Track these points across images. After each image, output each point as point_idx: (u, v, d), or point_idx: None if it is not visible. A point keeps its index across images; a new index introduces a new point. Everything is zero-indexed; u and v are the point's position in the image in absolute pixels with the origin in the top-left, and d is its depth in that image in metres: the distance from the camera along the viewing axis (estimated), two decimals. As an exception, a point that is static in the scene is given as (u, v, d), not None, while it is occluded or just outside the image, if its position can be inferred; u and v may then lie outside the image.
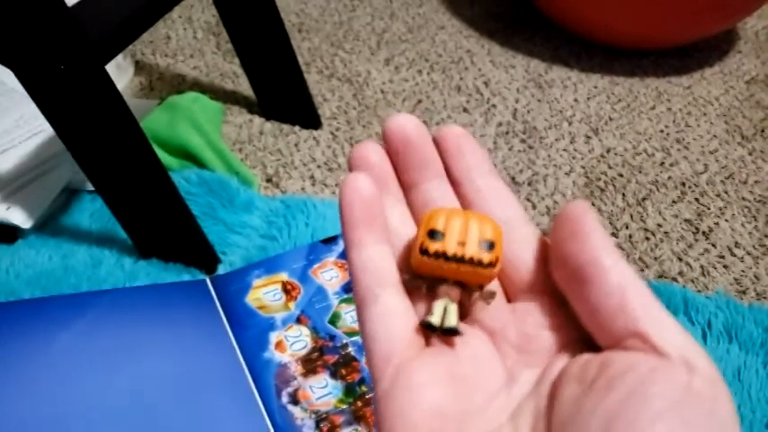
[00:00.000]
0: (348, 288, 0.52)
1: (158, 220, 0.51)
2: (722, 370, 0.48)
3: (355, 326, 0.49)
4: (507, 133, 0.72)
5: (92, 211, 0.59)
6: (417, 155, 0.22)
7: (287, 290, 0.51)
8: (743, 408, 0.46)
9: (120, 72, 0.76)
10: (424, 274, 0.20)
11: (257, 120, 0.72)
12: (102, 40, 0.43)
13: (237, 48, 0.66)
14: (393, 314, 0.20)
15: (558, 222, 0.19)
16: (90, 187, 0.60)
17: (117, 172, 0.47)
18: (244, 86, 0.77)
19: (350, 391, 0.45)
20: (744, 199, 0.65)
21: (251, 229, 0.58)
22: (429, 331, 0.20)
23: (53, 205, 0.58)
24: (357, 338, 0.48)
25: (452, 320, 0.20)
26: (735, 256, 0.59)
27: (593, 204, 0.64)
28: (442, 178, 0.23)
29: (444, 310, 0.20)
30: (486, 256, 0.19)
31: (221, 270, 0.54)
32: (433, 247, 0.20)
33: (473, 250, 0.19)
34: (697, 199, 0.65)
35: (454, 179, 0.23)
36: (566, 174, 0.67)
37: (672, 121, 0.76)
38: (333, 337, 0.48)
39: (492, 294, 0.20)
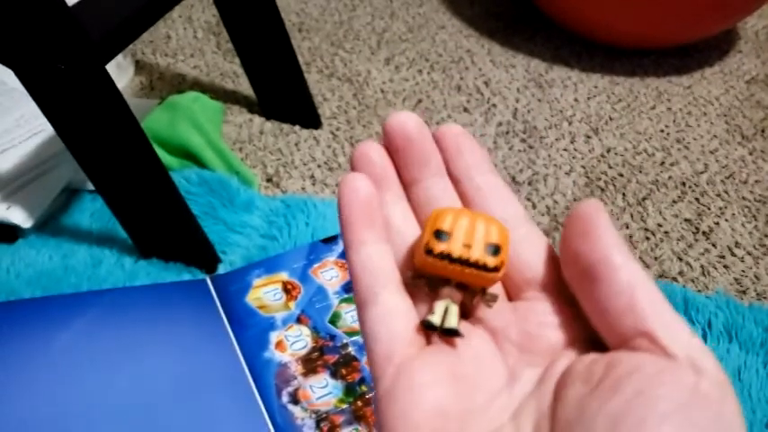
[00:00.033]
0: (348, 288, 0.52)
1: (159, 219, 0.51)
2: (722, 370, 0.48)
3: (355, 325, 0.49)
4: (507, 133, 0.72)
5: (92, 211, 0.59)
6: (418, 152, 0.22)
7: (287, 289, 0.51)
8: (743, 408, 0.46)
9: (121, 71, 0.76)
10: (428, 273, 0.20)
11: (257, 119, 0.72)
12: (103, 39, 0.43)
13: (238, 47, 0.66)
14: (394, 313, 0.20)
15: (569, 221, 0.19)
16: (90, 187, 0.60)
17: (117, 171, 0.47)
18: (244, 86, 0.77)
19: (350, 390, 0.45)
20: (744, 199, 0.65)
21: (251, 228, 0.58)
22: (429, 331, 0.20)
23: (53, 205, 0.58)
24: (357, 338, 0.48)
25: (453, 321, 0.20)
26: (735, 255, 0.59)
27: (593, 204, 0.64)
28: (442, 175, 0.23)
29: (445, 310, 0.20)
30: (492, 261, 0.19)
31: (221, 270, 0.54)
32: (439, 247, 0.19)
33: (478, 253, 0.19)
34: (697, 199, 0.65)
35: (454, 178, 0.23)
36: (566, 173, 0.67)
37: (672, 120, 0.76)
38: (333, 337, 0.48)
39: (494, 297, 0.20)
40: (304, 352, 0.47)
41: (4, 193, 0.56)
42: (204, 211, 0.58)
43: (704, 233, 0.61)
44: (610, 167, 0.68)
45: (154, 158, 0.47)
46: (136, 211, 0.51)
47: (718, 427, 0.15)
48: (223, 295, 0.50)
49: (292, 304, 0.50)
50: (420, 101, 0.77)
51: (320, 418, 0.43)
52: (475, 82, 0.80)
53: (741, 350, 0.50)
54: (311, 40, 0.87)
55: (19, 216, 0.55)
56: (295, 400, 0.44)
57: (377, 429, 0.19)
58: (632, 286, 0.17)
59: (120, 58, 0.76)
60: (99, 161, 0.47)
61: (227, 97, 0.75)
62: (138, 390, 0.43)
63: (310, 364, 0.46)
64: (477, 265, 0.19)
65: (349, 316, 0.49)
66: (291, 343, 0.47)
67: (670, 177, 0.67)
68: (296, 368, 0.46)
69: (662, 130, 0.74)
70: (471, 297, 0.20)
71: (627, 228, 0.61)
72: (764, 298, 0.55)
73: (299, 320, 0.49)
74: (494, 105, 0.76)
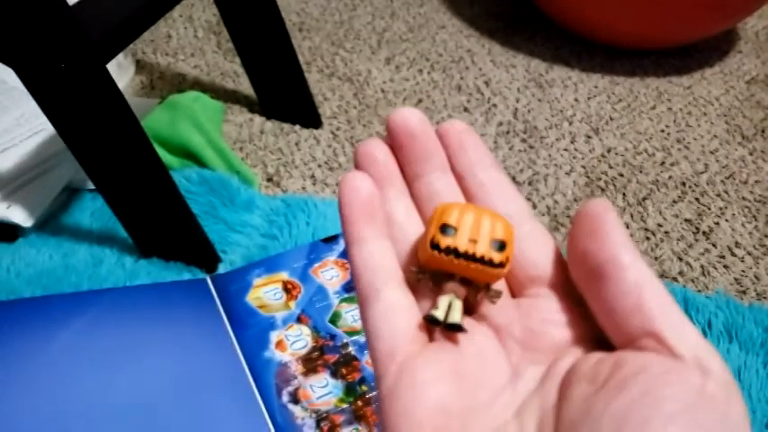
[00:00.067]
0: (348, 287, 0.52)
1: (159, 218, 0.51)
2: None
3: (356, 325, 0.49)
4: (508, 133, 0.72)
5: (92, 210, 0.59)
6: (421, 147, 0.22)
7: (287, 289, 0.51)
8: (743, 408, 0.46)
9: (121, 71, 0.76)
10: (432, 268, 0.20)
11: (258, 119, 0.72)
12: (103, 39, 0.43)
13: (238, 47, 0.66)
14: (396, 310, 0.20)
15: (577, 220, 0.19)
16: (91, 186, 0.60)
17: (118, 171, 0.47)
18: (244, 85, 0.77)
19: (350, 390, 0.45)
20: (744, 199, 0.65)
21: (251, 228, 0.58)
22: (432, 325, 0.20)
23: (54, 204, 0.58)
24: (357, 338, 0.48)
25: (456, 316, 0.20)
26: (735, 256, 0.59)
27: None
28: (445, 170, 0.23)
29: (449, 305, 0.20)
30: (497, 256, 0.19)
31: (222, 269, 0.54)
32: (445, 242, 0.19)
33: (484, 249, 0.19)
34: (697, 199, 0.65)
35: (457, 174, 0.23)
36: (566, 173, 0.67)
37: (672, 120, 0.76)
38: (333, 337, 0.48)
39: (498, 294, 0.20)
40: (304, 351, 0.47)
41: (4, 192, 0.56)
42: (204, 211, 0.58)
43: (704, 233, 0.61)
44: (610, 167, 0.68)
45: (154, 158, 0.47)
46: (136, 210, 0.51)
47: (724, 428, 0.15)
48: (223, 295, 0.50)
49: (293, 304, 0.50)
50: (420, 100, 0.77)
51: (320, 418, 0.43)
52: (475, 82, 0.80)
53: (741, 350, 0.50)
54: (312, 40, 0.87)
55: (19, 215, 0.55)
56: (295, 399, 0.44)
57: (380, 427, 0.19)
58: (640, 286, 0.17)
59: (120, 57, 0.76)
60: (99, 160, 0.47)
61: (228, 97, 0.75)
62: (138, 389, 0.43)
63: (310, 363, 0.46)
64: (482, 261, 0.19)
65: (349, 315, 0.50)
66: (292, 342, 0.47)
67: (670, 177, 0.67)
68: (296, 368, 0.46)
69: (662, 131, 0.74)
70: (475, 293, 0.20)
71: (627, 228, 0.61)
72: (764, 298, 0.55)
73: (299, 320, 0.49)
74: (494, 105, 0.76)
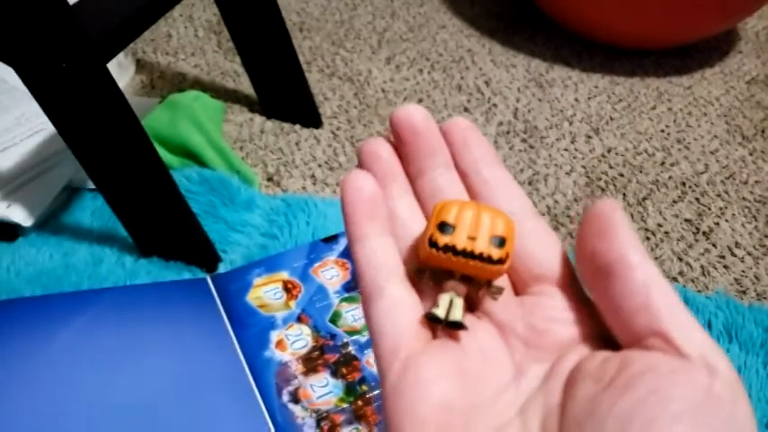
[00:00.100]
0: (349, 287, 0.52)
1: (159, 218, 0.51)
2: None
3: (356, 325, 0.49)
4: (508, 133, 0.72)
5: (93, 210, 0.59)
6: (424, 144, 0.22)
7: (288, 288, 0.51)
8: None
9: (122, 70, 0.76)
10: (432, 266, 0.20)
11: (258, 118, 0.72)
12: (104, 38, 0.43)
13: (238, 46, 0.66)
14: (399, 307, 0.20)
15: (586, 219, 0.19)
16: (91, 185, 0.60)
17: (118, 170, 0.47)
18: (245, 85, 0.77)
19: (350, 390, 0.45)
20: (744, 199, 0.65)
21: (252, 227, 0.58)
22: (434, 323, 0.20)
23: (54, 203, 0.58)
24: (358, 337, 0.48)
25: (457, 314, 0.20)
26: (735, 256, 0.59)
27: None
28: (449, 167, 0.23)
29: (450, 303, 0.20)
30: (496, 253, 0.19)
31: (222, 269, 0.54)
32: (443, 240, 0.19)
33: (483, 246, 0.19)
34: (697, 199, 0.65)
35: (461, 171, 0.23)
36: (566, 173, 0.67)
37: (672, 120, 0.76)
38: (333, 336, 0.48)
39: (500, 290, 0.20)
40: (304, 351, 0.47)
41: (4, 191, 0.56)
42: (205, 210, 0.58)
43: (704, 233, 0.61)
44: (610, 167, 0.68)
45: (154, 157, 0.47)
46: (136, 209, 0.51)
47: (730, 428, 0.15)
48: (223, 294, 0.50)
49: (293, 303, 0.50)
50: (421, 100, 0.77)
51: (320, 418, 0.43)
52: (475, 81, 0.80)
53: (741, 350, 0.50)
54: (312, 40, 0.87)
55: (19, 214, 0.55)
56: (295, 399, 0.44)
57: (384, 423, 0.19)
58: (648, 286, 0.17)
59: (121, 56, 0.76)
60: (100, 160, 0.47)
61: (228, 96, 0.75)
62: (138, 388, 0.43)
63: (311, 363, 0.46)
64: (481, 258, 0.19)
65: (349, 315, 0.50)
66: (292, 342, 0.47)
67: (670, 177, 0.68)
68: (296, 367, 0.46)
69: (662, 131, 0.74)
70: (477, 290, 0.20)
71: (627, 228, 0.61)
72: (764, 298, 0.55)
73: (299, 319, 0.49)
74: (494, 105, 0.76)
